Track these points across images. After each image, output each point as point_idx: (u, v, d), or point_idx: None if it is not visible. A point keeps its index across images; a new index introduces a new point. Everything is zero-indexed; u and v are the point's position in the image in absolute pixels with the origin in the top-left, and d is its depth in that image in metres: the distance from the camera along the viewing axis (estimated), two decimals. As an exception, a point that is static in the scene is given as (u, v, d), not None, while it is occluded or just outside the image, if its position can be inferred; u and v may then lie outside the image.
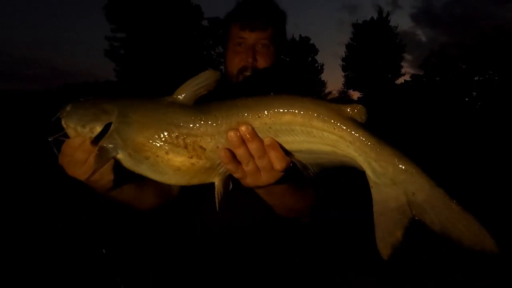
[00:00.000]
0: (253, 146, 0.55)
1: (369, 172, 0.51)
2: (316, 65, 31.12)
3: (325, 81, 32.72)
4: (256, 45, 0.99)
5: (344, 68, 30.63)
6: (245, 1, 1.03)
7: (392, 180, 0.48)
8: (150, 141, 0.56)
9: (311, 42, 30.67)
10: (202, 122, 0.56)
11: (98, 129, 0.58)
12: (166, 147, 0.56)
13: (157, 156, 0.56)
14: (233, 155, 0.56)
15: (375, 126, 0.51)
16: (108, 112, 0.58)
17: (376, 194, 0.51)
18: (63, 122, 0.60)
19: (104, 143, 0.58)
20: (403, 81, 30.15)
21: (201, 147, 0.56)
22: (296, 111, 0.53)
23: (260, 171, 0.58)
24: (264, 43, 1.00)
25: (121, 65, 24.75)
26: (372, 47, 27.56)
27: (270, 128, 0.55)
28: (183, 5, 24.94)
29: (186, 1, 25.17)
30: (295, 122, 0.54)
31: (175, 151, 0.56)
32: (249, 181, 0.60)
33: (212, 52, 27.39)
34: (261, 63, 0.99)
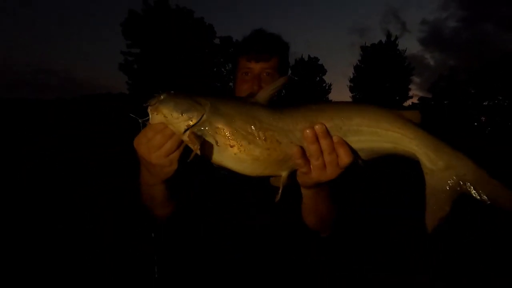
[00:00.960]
0: (325, 142, 0.65)
1: (425, 161, 0.63)
2: (324, 85, 31.49)
3: (332, 100, 32.79)
4: (261, 74, 1.10)
5: (351, 89, 30.92)
6: (251, 36, 1.15)
7: (446, 165, 0.62)
8: (236, 132, 0.65)
9: (320, 62, 31.24)
10: (280, 119, 0.66)
11: (195, 118, 0.66)
12: (250, 138, 0.65)
13: (241, 146, 0.65)
14: (303, 152, 0.66)
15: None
16: (201, 104, 0.67)
17: (431, 179, 0.63)
18: (152, 109, 0.67)
19: (194, 130, 0.66)
20: (410, 104, 30.20)
21: (277, 140, 0.65)
22: (365, 114, 0.65)
23: (326, 167, 0.67)
24: (269, 72, 1.10)
25: (134, 79, 25.46)
26: (380, 69, 27.87)
27: (340, 128, 0.66)
28: (197, 24, 25.87)
29: (199, 21, 26.11)
30: (363, 124, 0.65)
31: (256, 142, 0.65)
32: (313, 175, 0.69)
33: (223, 69, 28.03)
34: None
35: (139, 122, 0.71)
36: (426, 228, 0.63)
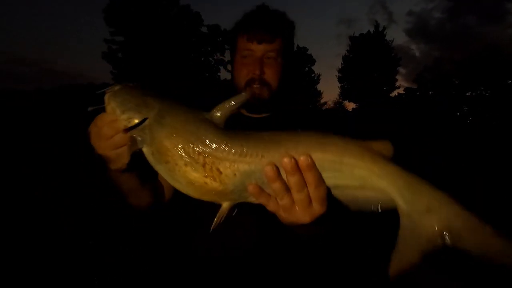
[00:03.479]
0: (292, 180, 0.54)
1: (401, 203, 0.53)
2: (312, 75, 31.52)
3: (321, 91, 32.97)
4: (263, 57, 0.98)
5: (340, 79, 31.09)
6: (252, 12, 1.01)
7: (427, 208, 0.51)
8: (174, 149, 0.58)
9: (308, 52, 31.15)
10: (226, 148, 0.57)
11: (136, 121, 0.60)
12: (186, 159, 0.57)
13: (176, 164, 0.58)
14: (261, 190, 0.57)
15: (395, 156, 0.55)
16: (148, 107, 0.61)
17: (407, 223, 0.52)
18: (106, 97, 0.63)
19: (134, 133, 0.61)
20: (397, 94, 30.71)
21: (218, 169, 0.57)
22: (327, 147, 0.55)
23: (296, 206, 0.56)
24: (272, 55, 0.98)
25: (118, 67, 24.71)
26: (368, 60, 28.08)
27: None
28: (183, 11, 25.17)
29: (186, 8, 25.41)
30: (325, 159, 0.55)
31: (193, 165, 0.57)
32: (284, 216, 0.58)
33: (211, 59, 27.55)
34: (269, 75, 0.99)
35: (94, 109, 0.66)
36: (388, 274, 0.52)
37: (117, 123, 0.62)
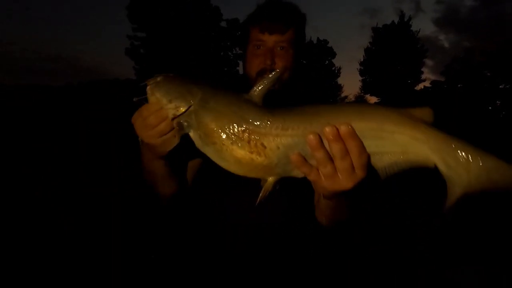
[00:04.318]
0: (336, 147, 0.56)
1: (443, 167, 0.55)
2: (333, 68, 30.78)
3: (342, 85, 32.25)
4: (275, 47, 0.99)
5: (361, 73, 30.12)
6: (265, 4, 1.03)
7: (466, 169, 0.54)
8: (220, 130, 0.62)
9: (329, 45, 30.40)
10: (268, 121, 0.61)
11: (182, 108, 0.64)
12: (233, 138, 0.61)
13: (223, 144, 0.62)
14: (304, 159, 0.59)
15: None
16: (192, 94, 0.65)
17: (451, 185, 0.56)
18: (149, 88, 0.67)
19: (181, 119, 0.65)
20: (422, 87, 29.36)
21: (262, 144, 0.61)
22: (367, 116, 0.57)
23: (339, 174, 0.58)
24: (283, 46, 1.00)
25: (141, 63, 25.35)
26: (391, 52, 26.97)
27: None
28: (203, 6, 25.29)
29: (205, 3, 25.51)
30: (366, 127, 0.57)
31: (239, 144, 0.61)
32: (325, 184, 0.60)
33: (230, 53, 27.59)
34: (280, 65, 1.00)
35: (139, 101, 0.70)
36: (444, 210, 0.58)
37: (162, 112, 0.66)
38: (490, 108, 27.26)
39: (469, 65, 27.91)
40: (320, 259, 1.01)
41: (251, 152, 0.61)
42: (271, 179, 0.64)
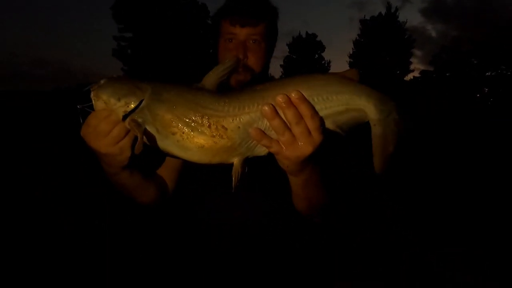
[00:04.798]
0: (290, 112, 0.60)
1: (374, 113, 0.66)
2: (323, 62, 30.87)
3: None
4: (247, 41, 0.97)
5: (351, 65, 30.30)
6: None
7: (389, 111, 0.67)
8: (178, 119, 0.62)
9: (318, 39, 30.44)
10: (225, 104, 0.63)
11: (133, 104, 0.62)
12: (192, 125, 0.62)
13: (183, 133, 0.62)
14: (262, 132, 0.62)
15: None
16: (142, 89, 0.63)
17: (378, 128, 0.67)
18: (93, 95, 0.63)
19: (134, 116, 0.62)
20: (412, 78, 29.70)
21: (223, 126, 0.62)
22: (312, 84, 0.64)
23: (297, 140, 0.62)
24: (255, 39, 0.97)
25: (129, 64, 24.99)
26: (380, 43, 27.16)
27: None
28: (189, 4, 25.00)
29: (192, 0, 25.22)
30: (313, 94, 0.63)
31: (199, 129, 0.62)
32: (287, 153, 0.63)
33: (218, 51, 27.37)
34: (252, 60, 0.98)
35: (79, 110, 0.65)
36: (376, 169, 0.69)
37: (112, 116, 0.62)
38: (478, 95, 27.76)
39: (457, 54, 28.32)
40: (306, 251, 1.00)
41: (213, 136, 0.62)
42: (236, 161, 0.65)
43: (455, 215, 3.66)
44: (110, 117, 0.61)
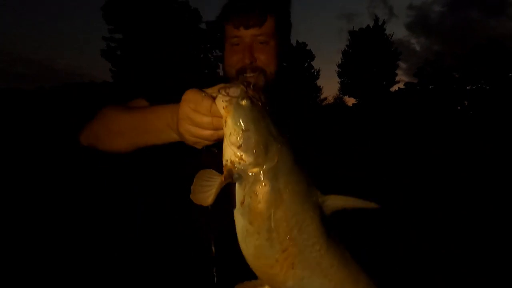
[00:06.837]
0: None
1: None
2: (312, 70, 31.36)
3: (321, 86, 32.86)
4: (254, 42, 0.90)
5: (340, 74, 30.94)
6: None
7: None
8: (268, 218, 0.50)
9: (308, 48, 30.97)
10: (320, 251, 0.53)
11: (246, 163, 0.50)
12: (272, 235, 0.51)
13: (258, 233, 0.51)
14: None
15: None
16: (268, 155, 0.50)
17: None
18: (226, 105, 0.51)
19: (235, 168, 0.51)
20: (397, 89, 30.59)
21: (293, 264, 0.52)
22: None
23: None
24: (263, 40, 0.90)
25: (118, 65, 24.62)
26: (367, 54, 27.92)
27: None
28: (181, 8, 25.00)
29: (184, 4, 25.24)
30: None
31: (273, 244, 0.51)
32: None
33: (210, 55, 27.41)
34: (262, 60, 0.91)
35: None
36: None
37: (219, 121, 0.52)
38: (458, 108, 28.86)
39: (440, 68, 29.44)
40: None
41: (277, 261, 0.51)
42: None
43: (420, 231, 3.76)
44: (216, 122, 0.53)
